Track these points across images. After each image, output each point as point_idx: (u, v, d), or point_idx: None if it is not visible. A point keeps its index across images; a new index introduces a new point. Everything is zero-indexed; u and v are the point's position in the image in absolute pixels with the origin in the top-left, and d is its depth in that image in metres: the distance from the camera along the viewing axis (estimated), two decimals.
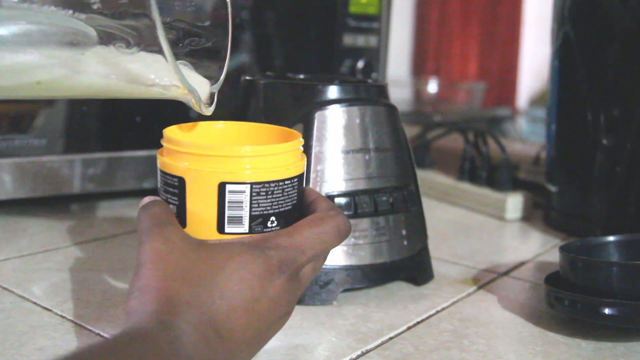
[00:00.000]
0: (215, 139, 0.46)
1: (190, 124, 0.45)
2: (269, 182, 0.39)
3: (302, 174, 0.42)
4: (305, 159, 0.43)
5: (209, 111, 0.43)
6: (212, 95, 0.44)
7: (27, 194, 0.68)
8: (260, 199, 0.39)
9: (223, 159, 0.39)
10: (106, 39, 0.37)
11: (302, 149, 0.43)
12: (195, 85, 0.40)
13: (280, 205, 0.40)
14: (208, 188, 0.38)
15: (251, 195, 0.39)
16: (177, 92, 0.40)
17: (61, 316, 0.46)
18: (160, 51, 0.35)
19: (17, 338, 0.42)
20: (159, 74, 0.38)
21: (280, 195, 0.40)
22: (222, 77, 0.45)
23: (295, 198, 0.41)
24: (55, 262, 0.57)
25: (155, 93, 0.40)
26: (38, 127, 0.68)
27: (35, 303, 0.48)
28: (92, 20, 0.37)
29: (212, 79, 0.45)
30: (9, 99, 0.41)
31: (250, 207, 0.39)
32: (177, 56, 0.45)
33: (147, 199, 0.40)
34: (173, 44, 0.45)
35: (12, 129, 0.66)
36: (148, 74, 0.38)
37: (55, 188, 0.69)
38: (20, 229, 0.65)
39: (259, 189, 0.39)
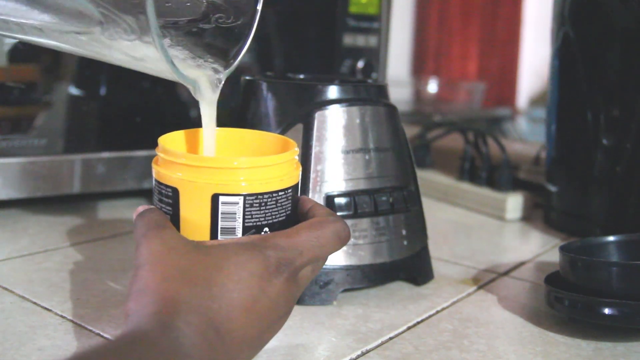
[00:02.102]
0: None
1: (185, 131, 0.45)
2: (262, 194, 0.39)
3: (297, 183, 0.42)
4: (300, 168, 0.43)
5: (208, 99, 0.43)
6: (217, 81, 0.44)
7: (27, 194, 0.68)
8: (254, 211, 0.39)
9: (217, 171, 0.38)
10: (106, 23, 0.37)
11: (297, 158, 0.43)
12: (192, 75, 0.40)
13: (273, 216, 0.40)
14: (201, 199, 0.38)
15: (244, 207, 0.39)
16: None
17: (61, 316, 0.46)
18: (152, 42, 0.35)
19: (17, 338, 0.42)
20: (155, 63, 0.38)
21: (273, 206, 0.40)
22: (237, 62, 0.44)
23: (289, 208, 0.41)
24: (55, 262, 0.57)
25: (158, 72, 0.40)
26: (38, 127, 0.68)
27: (35, 303, 0.48)
28: (95, 2, 0.37)
29: (228, 61, 0.45)
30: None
31: (244, 219, 0.39)
32: (201, 31, 0.44)
33: (142, 208, 0.41)
34: (201, 18, 0.44)
35: (12, 129, 0.66)
36: (145, 61, 0.38)
37: (55, 188, 0.69)
38: (20, 229, 0.65)
39: (252, 200, 0.39)
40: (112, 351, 0.30)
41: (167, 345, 0.31)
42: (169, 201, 0.40)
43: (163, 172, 0.40)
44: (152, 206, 0.41)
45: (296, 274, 0.38)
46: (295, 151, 0.42)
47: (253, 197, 0.39)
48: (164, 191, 0.40)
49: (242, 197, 0.39)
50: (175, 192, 0.39)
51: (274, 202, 0.40)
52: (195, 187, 0.38)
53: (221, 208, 0.39)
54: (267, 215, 0.40)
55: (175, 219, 0.40)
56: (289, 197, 0.41)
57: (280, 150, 0.44)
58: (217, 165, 0.39)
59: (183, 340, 0.32)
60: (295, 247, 0.38)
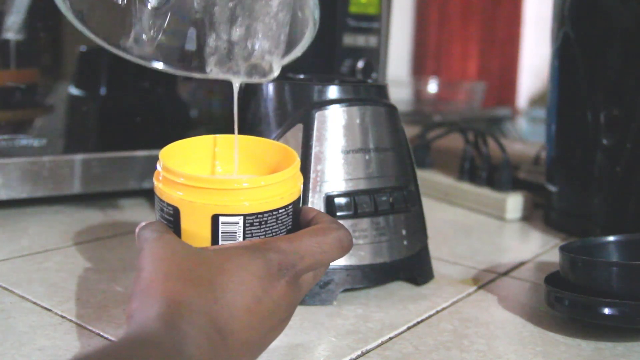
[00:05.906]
0: (212, 157, 0.45)
1: (186, 141, 0.44)
2: (262, 213, 0.39)
3: (298, 198, 0.42)
4: (302, 180, 0.42)
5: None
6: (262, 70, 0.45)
7: (27, 194, 0.68)
8: (254, 229, 0.39)
9: (217, 192, 0.38)
10: None
11: (298, 169, 0.42)
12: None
13: (274, 233, 0.40)
14: (202, 219, 0.38)
15: (244, 226, 0.39)
16: None
17: (61, 316, 0.46)
18: None
19: (17, 338, 0.42)
20: None
21: (274, 223, 0.40)
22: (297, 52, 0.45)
23: (290, 224, 0.41)
24: (55, 262, 0.57)
25: None
26: (38, 127, 0.68)
27: (35, 303, 0.48)
28: None
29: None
30: None
31: (244, 237, 0.39)
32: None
33: (144, 222, 0.41)
34: None
35: (13, 129, 0.66)
36: None
37: (55, 188, 0.69)
38: (20, 229, 0.65)
39: (252, 220, 0.39)
40: (115, 352, 0.30)
41: (171, 346, 0.31)
42: (170, 218, 0.40)
43: (164, 189, 0.40)
44: (154, 221, 0.41)
45: (297, 278, 0.38)
46: (296, 166, 0.41)
47: (253, 217, 0.39)
48: (165, 208, 0.40)
49: (242, 217, 0.38)
50: (175, 210, 0.39)
51: (274, 220, 0.40)
52: (195, 207, 0.38)
53: (221, 227, 0.39)
54: (267, 232, 0.40)
55: (177, 234, 0.40)
56: (290, 213, 0.41)
57: (280, 160, 0.43)
58: (217, 187, 0.38)
59: (187, 341, 0.32)
60: (296, 252, 0.38)
